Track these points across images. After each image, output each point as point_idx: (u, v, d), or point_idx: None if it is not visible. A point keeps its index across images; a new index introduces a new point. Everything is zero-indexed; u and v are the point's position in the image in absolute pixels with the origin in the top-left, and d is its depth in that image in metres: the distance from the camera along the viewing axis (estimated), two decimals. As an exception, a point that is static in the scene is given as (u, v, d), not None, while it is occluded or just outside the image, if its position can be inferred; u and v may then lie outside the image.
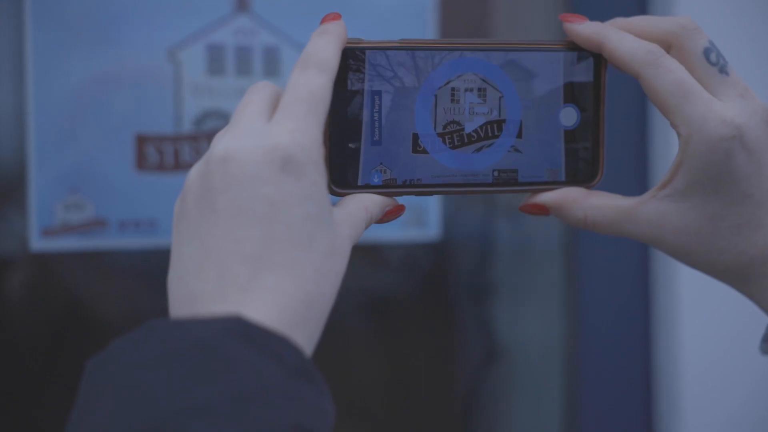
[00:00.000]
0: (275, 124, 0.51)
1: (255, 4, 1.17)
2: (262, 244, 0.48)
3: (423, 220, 1.25)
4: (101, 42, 1.12)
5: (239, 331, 0.45)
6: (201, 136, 1.16)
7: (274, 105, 0.53)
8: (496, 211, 1.38)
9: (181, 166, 1.15)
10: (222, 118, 1.16)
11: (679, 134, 0.57)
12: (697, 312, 1.33)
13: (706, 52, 0.57)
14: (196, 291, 0.48)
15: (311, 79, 0.51)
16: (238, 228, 0.49)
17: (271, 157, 0.49)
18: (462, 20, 1.35)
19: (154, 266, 1.22)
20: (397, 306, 1.35)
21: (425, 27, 1.23)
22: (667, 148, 1.32)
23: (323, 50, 0.53)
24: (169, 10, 1.14)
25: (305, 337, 0.48)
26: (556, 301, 1.39)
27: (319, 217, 0.50)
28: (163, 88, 1.15)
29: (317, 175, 0.51)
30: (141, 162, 1.14)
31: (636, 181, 1.34)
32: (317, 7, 1.20)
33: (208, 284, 0.48)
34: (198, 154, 1.15)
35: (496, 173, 0.59)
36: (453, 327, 1.39)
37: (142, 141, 1.14)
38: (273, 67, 1.18)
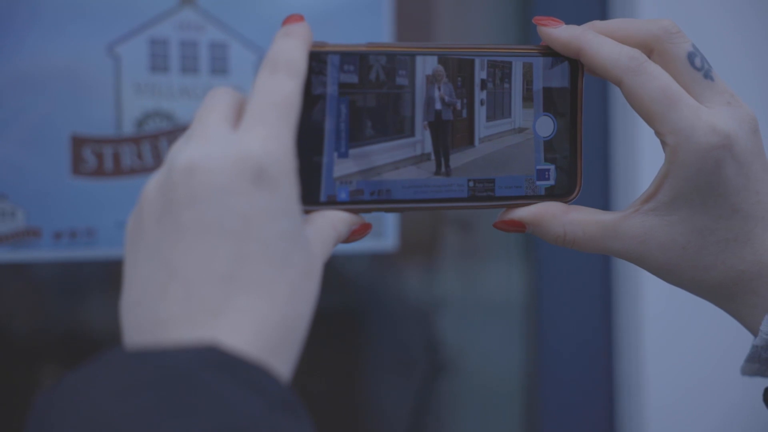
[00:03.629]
0: (245, 132, 0.48)
1: (201, -4, 1.15)
2: (233, 263, 0.46)
3: (381, 230, 1.24)
4: (32, 33, 1.09)
5: (215, 360, 0.43)
6: (143, 139, 1.13)
7: (238, 112, 0.51)
8: (454, 222, 1.38)
9: (121, 170, 1.12)
10: (166, 119, 1.14)
11: (664, 144, 0.56)
12: (660, 326, 1.34)
13: (690, 57, 0.57)
14: (160, 315, 0.46)
15: (281, 83, 0.50)
16: (206, 245, 0.46)
17: (241, 167, 0.47)
18: (415, 15, 1.35)
19: (91, 280, 1.19)
20: (345, 318, 1.34)
21: (380, 21, 1.22)
22: (631, 158, 1.33)
23: (291, 52, 0.51)
24: (109, 1, 1.11)
25: (283, 364, 0.46)
26: (515, 315, 1.39)
27: (294, 234, 0.48)
28: (101, 86, 1.11)
29: (291, 188, 0.48)
30: (77, 166, 1.10)
31: (600, 194, 1.35)
32: (266, 1, 1.18)
33: (174, 307, 0.46)
34: (140, 158, 1.12)
35: (471, 183, 0.58)
36: (402, 339, 1.39)
37: (78, 143, 1.10)
38: (220, 64, 1.16)
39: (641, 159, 1.32)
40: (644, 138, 1.31)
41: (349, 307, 1.33)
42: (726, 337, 1.31)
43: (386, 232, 1.24)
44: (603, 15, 1.33)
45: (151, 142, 1.13)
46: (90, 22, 1.11)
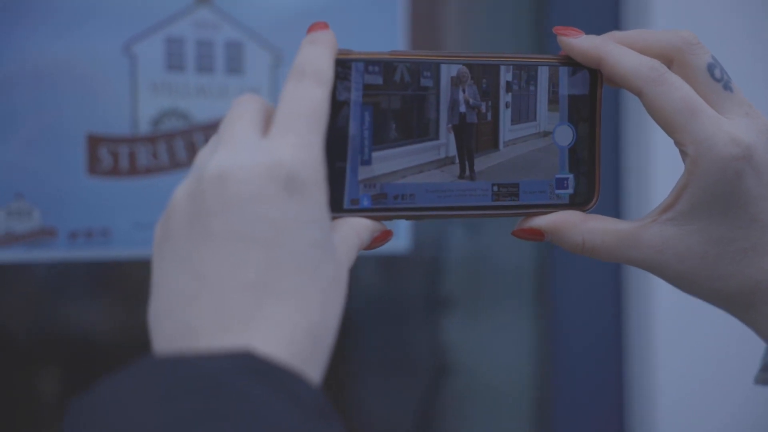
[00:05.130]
0: (275, 139, 0.49)
1: (217, -5, 1.16)
2: (264, 271, 0.47)
3: (393, 232, 1.25)
4: (47, 31, 1.10)
5: (251, 367, 0.43)
6: (159, 138, 1.14)
7: (267, 119, 0.51)
8: (468, 225, 1.39)
9: (137, 170, 1.13)
10: (182, 119, 1.15)
11: (685, 154, 0.56)
12: (671, 326, 1.34)
13: (710, 68, 0.57)
14: (191, 323, 0.46)
15: (309, 91, 0.50)
16: (238, 253, 0.47)
17: (273, 174, 0.47)
18: (428, 17, 1.35)
19: (108, 280, 1.20)
20: (358, 318, 1.35)
21: (394, 23, 1.23)
22: (644, 168, 1.33)
23: (318, 60, 0.52)
24: (124, 0, 1.12)
25: (314, 371, 0.47)
26: (527, 317, 1.39)
27: (323, 242, 0.49)
28: (117, 85, 1.12)
29: (321, 196, 0.49)
30: (93, 166, 1.11)
31: (611, 204, 1.35)
32: (283, 1, 1.19)
33: (205, 316, 0.46)
34: (156, 157, 1.14)
35: (495, 187, 0.59)
36: (413, 340, 1.39)
37: (94, 143, 1.11)
38: (236, 63, 1.17)
39: (654, 169, 1.33)
40: (657, 148, 1.32)
41: (358, 309, 1.34)
42: (736, 337, 1.31)
43: (399, 234, 1.25)
44: (617, 22, 1.34)
45: (167, 142, 1.14)
46: (106, 20, 1.12)
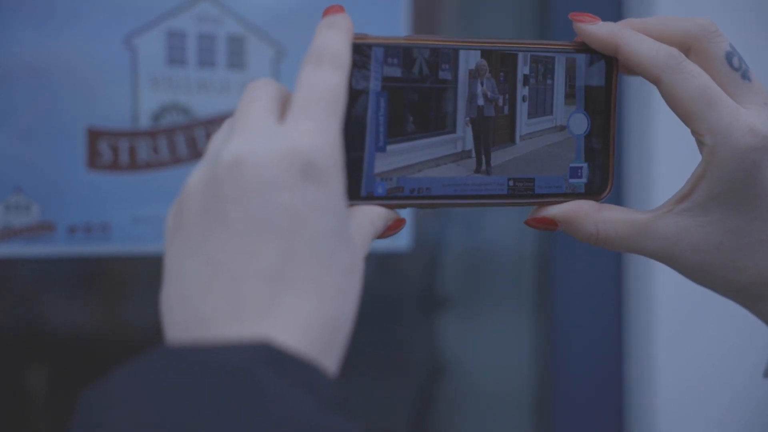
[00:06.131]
0: (291, 125, 0.48)
1: (219, -11, 1.16)
2: (281, 260, 0.46)
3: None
4: (48, 25, 1.09)
5: (269, 357, 0.42)
6: (160, 133, 1.13)
7: (282, 104, 0.51)
8: (469, 222, 1.38)
9: (137, 165, 1.12)
10: (182, 113, 1.14)
11: (702, 144, 0.56)
12: (670, 325, 1.35)
13: (729, 56, 0.57)
14: (206, 312, 0.45)
15: (327, 76, 0.50)
16: (254, 241, 0.46)
17: (290, 161, 0.47)
18: (430, 8, 1.35)
19: (107, 275, 1.20)
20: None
21: (396, 18, 1.23)
22: (646, 158, 1.33)
23: (335, 44, 0.51)
24: (125, -7, 1.12)
25: (330, 362, 0.46)
26: (526, 317, 1.39)
27: (340, 231, 0.48)
28: (118, 79, 1.12)
29: (339, 183, 0.48)
30: (93, 160, 1.10)
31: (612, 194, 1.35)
32: (286, -7, 1.19)
33: (220, 304, 0.45)
34: (156, 152, 1.13)
35: (511, 182, 0.59)
36: (411, 339, 1.39)
37: (94, 136, 1.10)
38: (238, 58, 1.16)
39: (655, 160, 1.33)
40: (659, 138, 1.32)
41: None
42: (735, 335, 1.32)
43: (400, 232, 1.25)
44: (619, 13, 1.34)
45: (167, 137, 1.13)
46: (107, 14, 1.11)
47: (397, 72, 0.55)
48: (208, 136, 1.14)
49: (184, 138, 1.14)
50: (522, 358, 1.40)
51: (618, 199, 1.35)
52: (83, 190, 1.10)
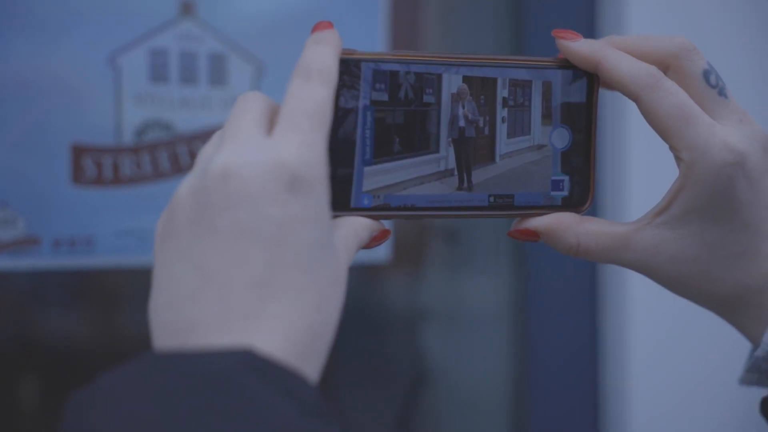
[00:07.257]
0: (279, 138, 0.49)
1: (200, 8, 1.17)
2: (266, 269, 0.47)
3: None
4: (33, 42, 1.10)
5: (251, 364, 0.43)
6: (143, 149, 1.14)
7: (271, 117, 0.52)
8: (443, 233, 1.40)
9: (120, 180, 1.13)
10: (165, 129, 1.15)
11: (680, 159, 0.58)
12: (646, 337, 1.36)
13: (706, 74, 0.59)
14: (193, 318, 0.46)
15: (314, 91, 0.51)
16: (241, 250, 0.47)
17: (276, 174, 0.48)
18: (408, 18, 1.37)
19: (91, 288, 1.20)
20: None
21: (375, 29, 1.24)
22: (618, 171, 1.35)
23: (323, 60, 0.52)
24: (109, 12, 1.13)
25: (311, 370, 0.47)
26: (503, 325, 1.41)
27: (324, 241, 0.49)
28: (102, 95, 1.13)
29: (323, 195, 0.50)
30: (77, 175, 1.12)
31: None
32: (265, 13, 1.20)
33: (207, 311, 0.46)
34: (139, 167, 1.14)
35: (491, 198, 0.61)
36: (389, 351, 1.40)
37: (78, 152, 1.12)
38: (219, 75, 1.18)
39: (628, 173, 1.35)
40: (632, 151, 1.34)
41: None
42: (712, 347, 1.33)
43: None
44: (592, 25, 1.35)
45: (150, 152, 1.14)
46: (91, 32, 1.12)
47: (384, 96, 0.57)
48: (191, 151, 1.15)
49: (167, 153, 1.15)
50: (500, 371, 1.41)
51: (592, 211, 1.36)
52: (68, 205, 1.11)
